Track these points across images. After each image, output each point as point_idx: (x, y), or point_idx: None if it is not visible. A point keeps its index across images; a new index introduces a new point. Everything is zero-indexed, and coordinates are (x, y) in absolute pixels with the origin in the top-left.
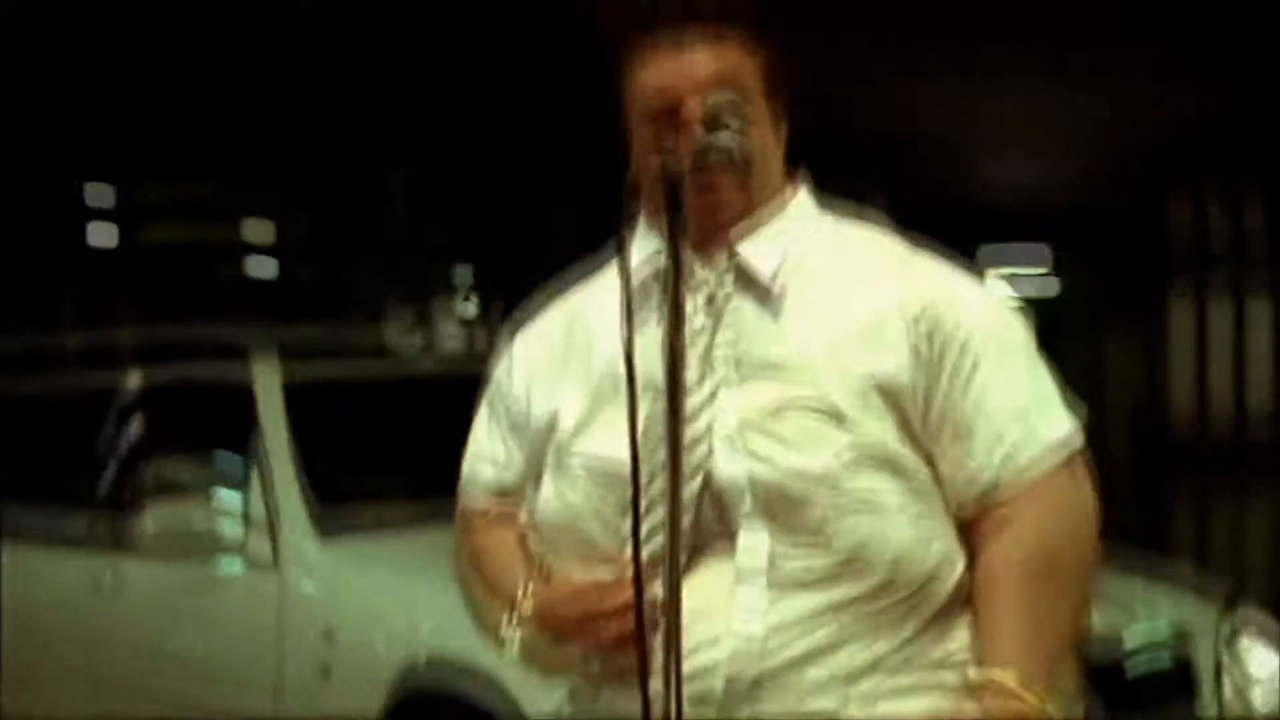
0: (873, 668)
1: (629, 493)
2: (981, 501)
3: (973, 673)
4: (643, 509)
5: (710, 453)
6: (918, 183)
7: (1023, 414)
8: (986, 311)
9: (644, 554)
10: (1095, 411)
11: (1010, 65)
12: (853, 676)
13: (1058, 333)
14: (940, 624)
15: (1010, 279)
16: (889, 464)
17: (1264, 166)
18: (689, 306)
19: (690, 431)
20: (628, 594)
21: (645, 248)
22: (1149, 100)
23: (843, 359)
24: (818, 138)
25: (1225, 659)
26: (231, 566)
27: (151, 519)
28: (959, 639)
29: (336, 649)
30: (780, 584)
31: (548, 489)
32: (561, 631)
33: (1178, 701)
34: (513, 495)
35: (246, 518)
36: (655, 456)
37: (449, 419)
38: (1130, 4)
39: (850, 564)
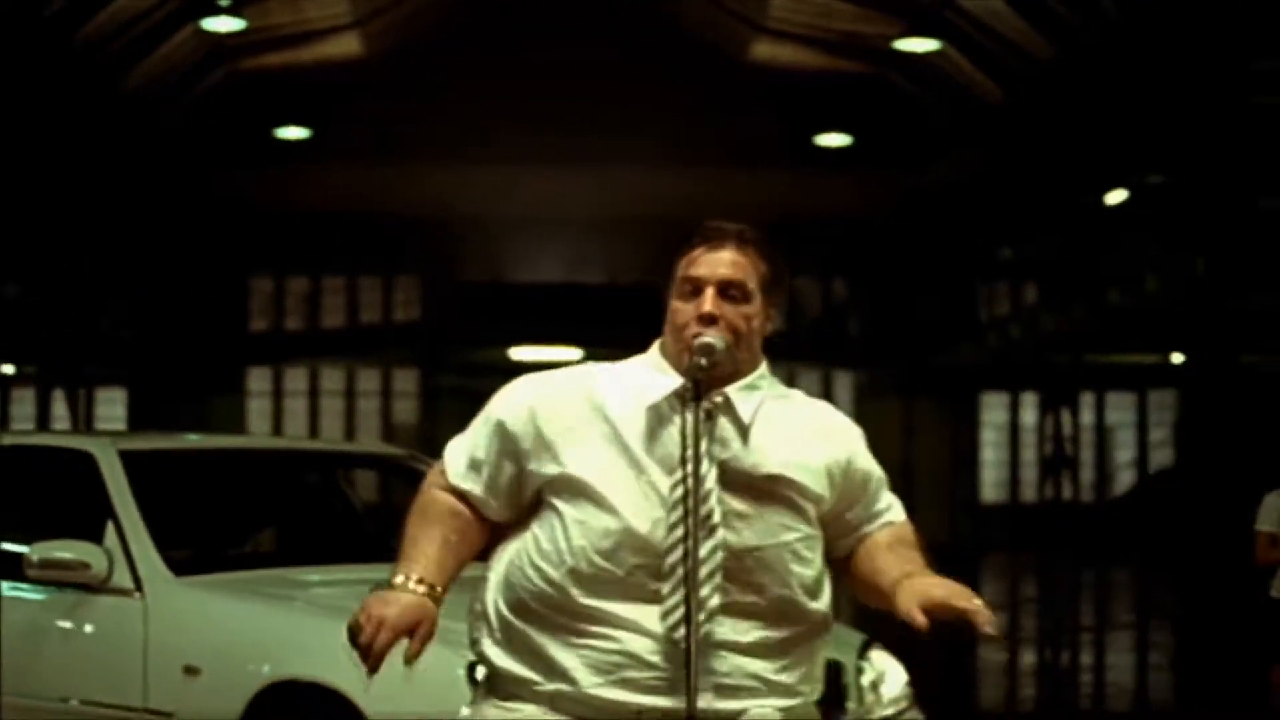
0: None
1: (620, 538)
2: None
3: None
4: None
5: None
6: (451, 262)
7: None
8: (861, 437)
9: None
10: None
11: (545, 150)
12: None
13: None
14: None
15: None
16: (816, 539)
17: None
18: (686, 422)
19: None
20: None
21: (667, 380)
22: (672, 184)
23: (788, 471)
24: (359, 219)
25: (862, 664)
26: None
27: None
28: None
29: (197, 657)
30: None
31: (550, 536)
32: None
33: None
34: (476, 498)
35: (110, 555)
36: (661, 515)
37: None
38: (667, 92)
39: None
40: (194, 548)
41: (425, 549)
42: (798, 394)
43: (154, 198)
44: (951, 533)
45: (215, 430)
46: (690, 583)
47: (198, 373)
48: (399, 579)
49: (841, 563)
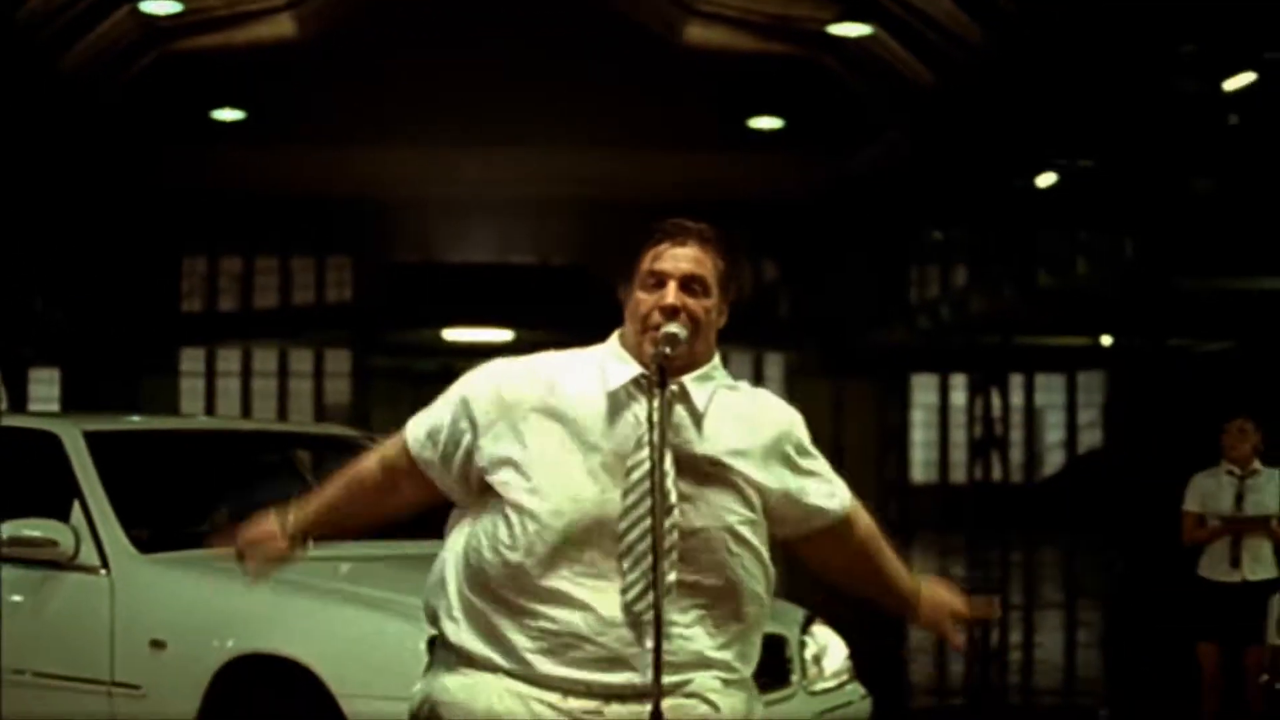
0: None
1: (576, 518)
2: (830, 518)
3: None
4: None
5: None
6: (384, 243)
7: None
8: (802, 425)
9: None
10: None
11: (478, 132)
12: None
13: None
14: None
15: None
16: (759, 524)
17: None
18: (652, 408)
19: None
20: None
21: (626, 367)
22: (604, 166)
23: (734, 459)
24: (292, 200)
25: (805, 639)
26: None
27: (4, 531)
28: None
29: (163, 631)
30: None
31: (508, 516)
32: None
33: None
34: (425, 461)
35: (76, 533)
36: (617, 497)
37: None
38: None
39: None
40: (154, 526)
41: (311, 504)
42: (745, 385)
43: (89, 178)
44: (881, 513)
45: (148, 411)
46: (655, 560)
47: (131, 353)
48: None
49: (797, 544)
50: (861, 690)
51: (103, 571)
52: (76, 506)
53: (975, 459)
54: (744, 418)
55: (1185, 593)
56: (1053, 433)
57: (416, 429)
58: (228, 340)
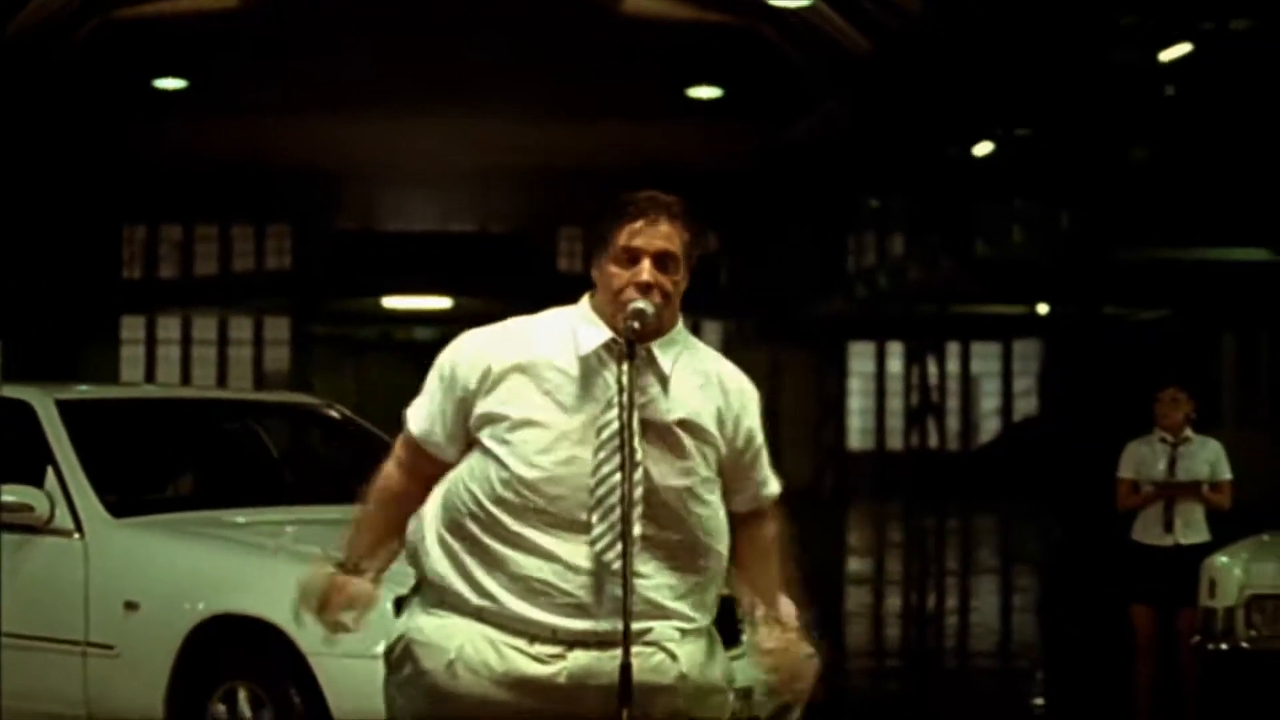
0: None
1: (548, 471)
2: (756, 504)
3: (784, 607)
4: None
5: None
6: (324, 212)
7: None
8: (756, 400)
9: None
10: None
11: (418, 100)
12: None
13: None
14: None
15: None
16: (716, 483)
17: None
18: (621, 374)
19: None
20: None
21: (598, 332)
22: (544, 135)
23: (699, 419)
24: (232, 168)
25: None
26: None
27: None
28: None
29: (136, 593)
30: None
31: (485, 465)
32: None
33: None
34: (435, 445)
35: (51, 499)
36: (588, 456)
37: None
38: (531, 44)
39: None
40: (121, 492)
41: (349, 532)
42: (704, 347)
43: (30, 146)
44: (818, 480)
45: (89, 379)
46: (624, 514)
47: (72, 321)
48: (342, 560)
49: (729, 517)
50: (810, 650)
51: (77, 535)
52: (50, 473)
53: (912, 427)
54: (709, 384)
55: (1120, 557)
56: (988, 400)
57: (418, 421)
58: (168, 308)
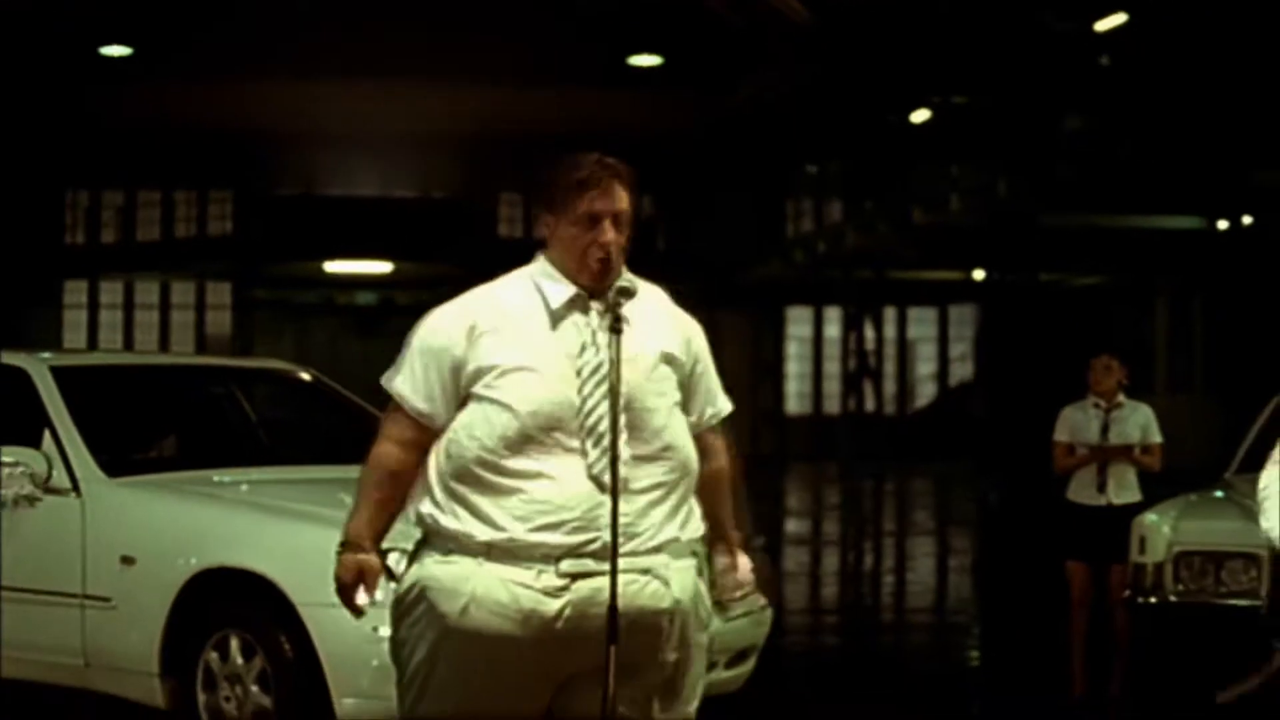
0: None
1: (540, 407)
2: (708, 421)
3: (734, 535)
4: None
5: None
6: (265, 177)
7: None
8: (702, 335)
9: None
10: None
11: (359, 65)
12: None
13: (394, 311)
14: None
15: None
16: (680, 405)
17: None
18: (591, 318)
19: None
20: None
21: (563, 287)
22: (485, 101)
23: (662, 345)
24: (174, 133)
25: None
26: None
27: None
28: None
29: (132, 548)
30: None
31: (483, 412)
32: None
33: None
34: (428, 418)
35: (49, 459)
36: (573, 392)
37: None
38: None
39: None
40: (110, 453)
41: (363, 513)
42: (643, 283)
43: None
44: (756, 443)
45: (31, 343)
46: (613, 438)
47: (14, 285)
48: (348, 537)
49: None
50: (762, 601)
51: (74, 494)
52: (47, 435)
53: (849, 390)
54: (657, 312)
55: (1055, 516)
56: (925, 365)
57: (412, 398)
58: (110, 273)
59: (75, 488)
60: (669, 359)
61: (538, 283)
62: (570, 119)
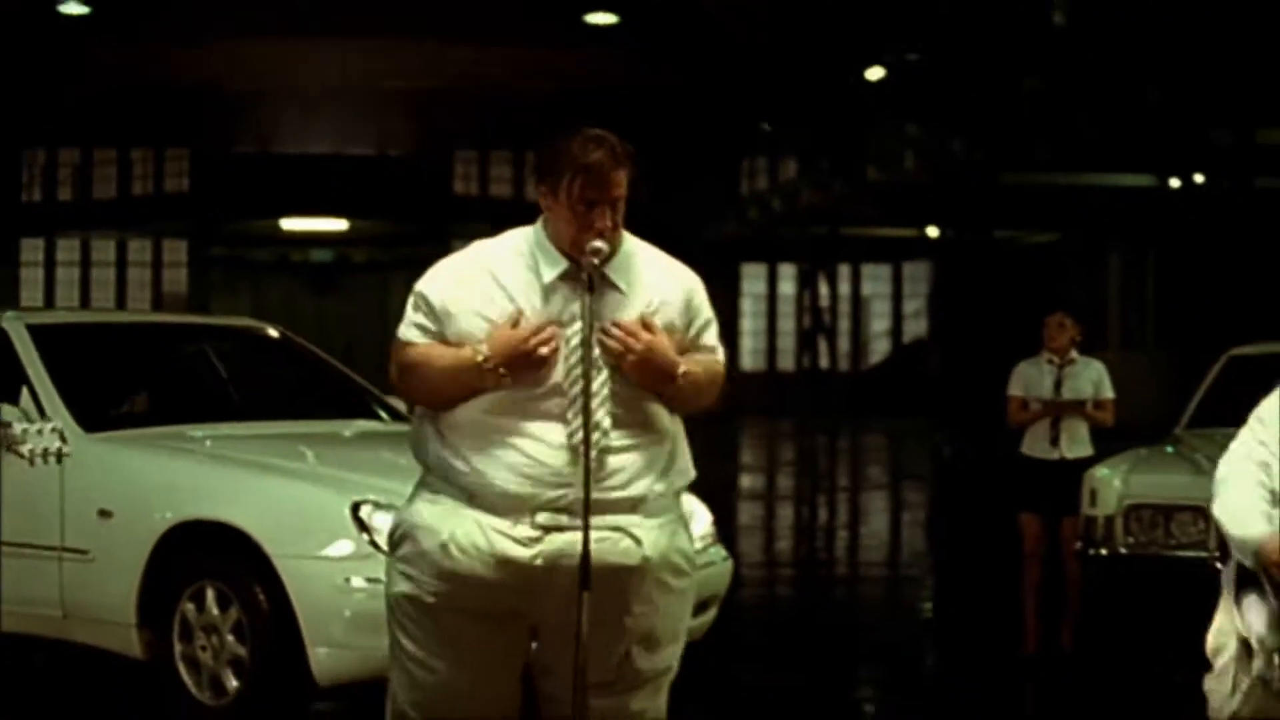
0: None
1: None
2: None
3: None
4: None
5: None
6: (221, 135)
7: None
8: (702, 288)
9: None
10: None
11: (316, 23)
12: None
13: (350, 268)
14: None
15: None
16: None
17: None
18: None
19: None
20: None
21: (557, 260)
22: (440, 59)
23: (669, 305)
24: (130, 91)
25: None
26: None
27: None
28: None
29: (110, 502)
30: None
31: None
32: (508, 353)
33: None
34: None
35: (27, 415)
36: (560, 362)
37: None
38: None
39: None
40: (85, 408)
41: (460, 354)
42: (641, 245)
43: None
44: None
45: None
46: (585, 385)
47: None
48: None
49: None
50: (724, 553)
51: None
52: (25, 391)
53: (803, 347)
54: (656, 276)
55: (1008, 470)
56: (879, 322)
57: (415, 337)
58: (67, 231)
59: None
60: (670, 313)
61: (535, 254)
62: (526, 76)
